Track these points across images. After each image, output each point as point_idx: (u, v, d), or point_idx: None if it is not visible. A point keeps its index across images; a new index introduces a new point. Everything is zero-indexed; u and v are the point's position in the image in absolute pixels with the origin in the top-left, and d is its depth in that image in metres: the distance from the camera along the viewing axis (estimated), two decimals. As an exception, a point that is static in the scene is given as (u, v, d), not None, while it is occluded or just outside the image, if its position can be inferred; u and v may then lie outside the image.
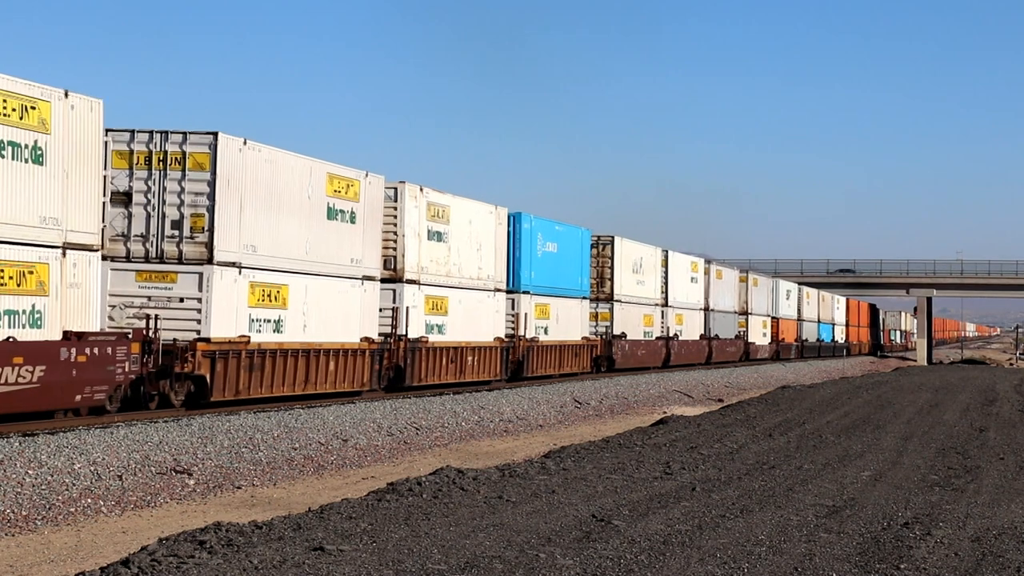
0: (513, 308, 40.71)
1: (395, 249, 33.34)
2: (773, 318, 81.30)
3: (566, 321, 45.15)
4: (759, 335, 77.14)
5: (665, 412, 37.61)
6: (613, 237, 51.10)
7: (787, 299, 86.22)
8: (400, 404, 29.90)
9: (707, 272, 65.87)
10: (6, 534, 15.12)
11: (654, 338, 55.79)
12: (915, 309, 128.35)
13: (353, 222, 30.67)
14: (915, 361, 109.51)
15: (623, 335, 51.15)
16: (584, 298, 47.37)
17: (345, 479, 21.11)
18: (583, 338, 46.93)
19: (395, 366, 33.06)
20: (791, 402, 37.89)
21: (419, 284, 34.11)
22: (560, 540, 12.89)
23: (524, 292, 41.37)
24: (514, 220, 41.17)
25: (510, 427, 30.77)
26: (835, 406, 36.20)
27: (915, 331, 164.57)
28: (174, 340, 25.02)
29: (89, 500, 17.05)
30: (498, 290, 39.24)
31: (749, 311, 74.32)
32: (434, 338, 34.78)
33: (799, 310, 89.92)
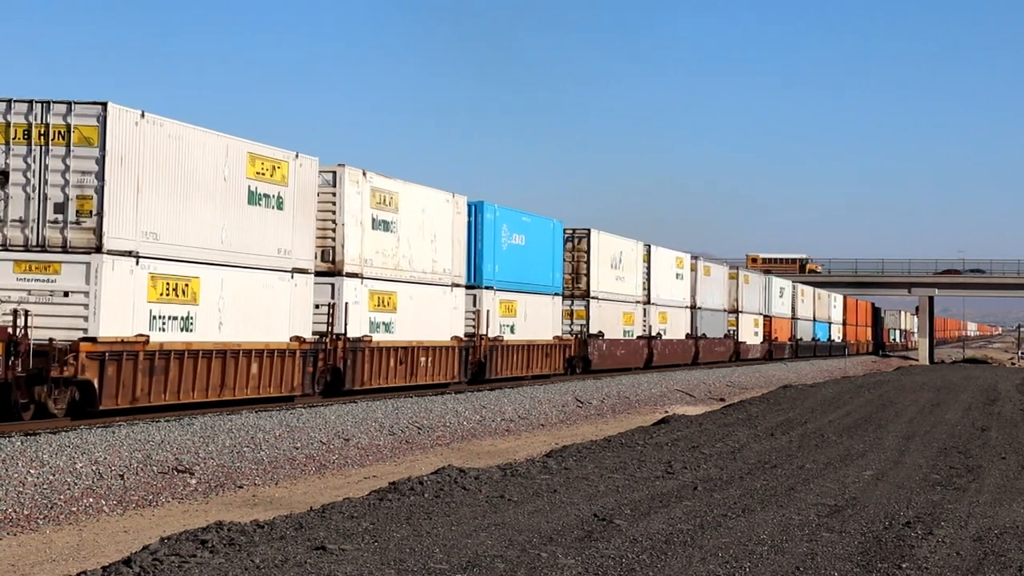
0: (474, 305, 37.55)
1: (334, 239, 30.24)
2: (766, 316, 78.66)
3: (535, 319, 42.05)
4: (750, 334, 74.62)
5: (667, 411, 37.61)
6: (589, 230, 48.17)
7: (781, 297, 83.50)
8: (401, 404, 29.86)
9: (694, 268, 62.74)
10: (8, 533, 15.13)
11: (635, 337, 52.91)
12: (916, 308, 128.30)
13: (280, 208, 27.52)
14: (916, 360, 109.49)
15: (600, 334, 48.32)
16: (556, 295, 44.36)
17: (347, 478, 21.11)
18: (555, 337, 43.95)
19: (332, 368, 29.82)
20: (793, 401, 37.88)
21: (362, 278, 31.01)
22: (562, 539, 12.89)
23: (487, 287, 38.30)
24: (475, 210, 37.88)
25: (512, 426, 30.77)
26: (837, 405, 36.20)
27: (915, 330, 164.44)
28: (50, 340, 21.73)
29: (91, 499, 17.05)
30: (456, 285, 36.09)
31: (740, 309, 71.73)
32: (380, 337, 31.68)
33: (794, 308, 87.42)
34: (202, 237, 25.15)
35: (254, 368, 26.68)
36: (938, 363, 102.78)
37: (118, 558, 12.11)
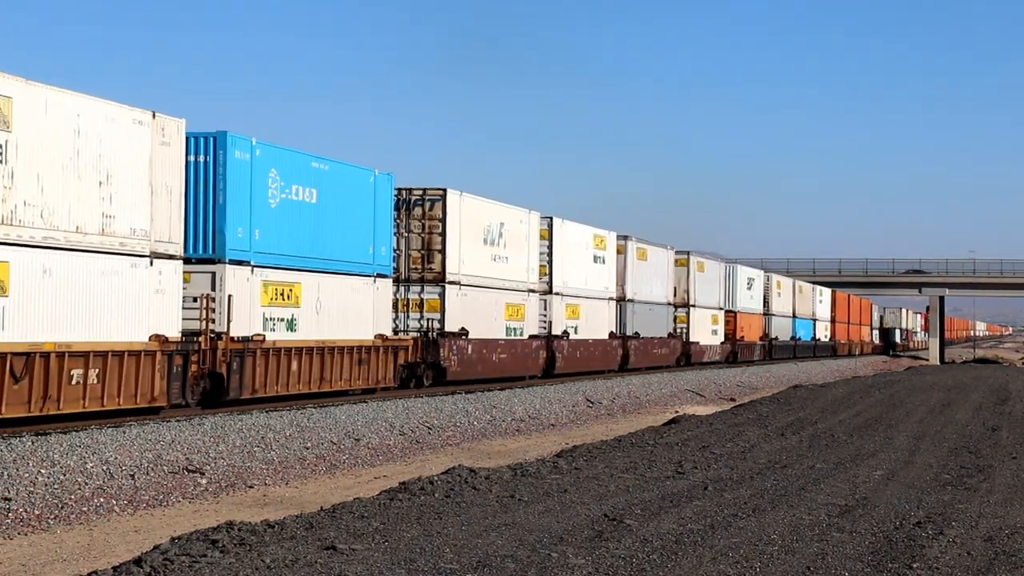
0: (213, 288, 25.91)
1: None
2: (728, 312, 67.18)
3: (341, 311, 30.21)
4: (707, 333, 63.10)
5: (677, 411, 37.61)
6: (445, 190, 35.73)
7: (749, 289, 71.59)
8: (412, 404, 29.85)
9: (622, 251, 50.62)
10: (19, 533, 15.17)
11: (526, 337, 41.04)
12: (927, 308, 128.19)
13: None
14: (927, 360, 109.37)
15: (463, 332, 36.26)
16: (380, 276, 32.15)
17: (357, 478, 21.14)
18: (378, 336, 31.74)
19: None
20: (803, 401, 37.85)
21: None
22: (572, 539, 12.89)
23: (235, 262, 26.36)
24: (212, 145, 25.90)
25: (522, 426, 30.78)
26: (847, 405, 36.16)
27: (916, 329, 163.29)
28: None
29: (101, 499, 17.09)
30: (164, 256, 24.08)
31: (691, 303, 60.09)
32: None
33: (767, 302, 76.40)
34: None
35: None
36: (948, 363, 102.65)
37: (129, 558, 12.14)
